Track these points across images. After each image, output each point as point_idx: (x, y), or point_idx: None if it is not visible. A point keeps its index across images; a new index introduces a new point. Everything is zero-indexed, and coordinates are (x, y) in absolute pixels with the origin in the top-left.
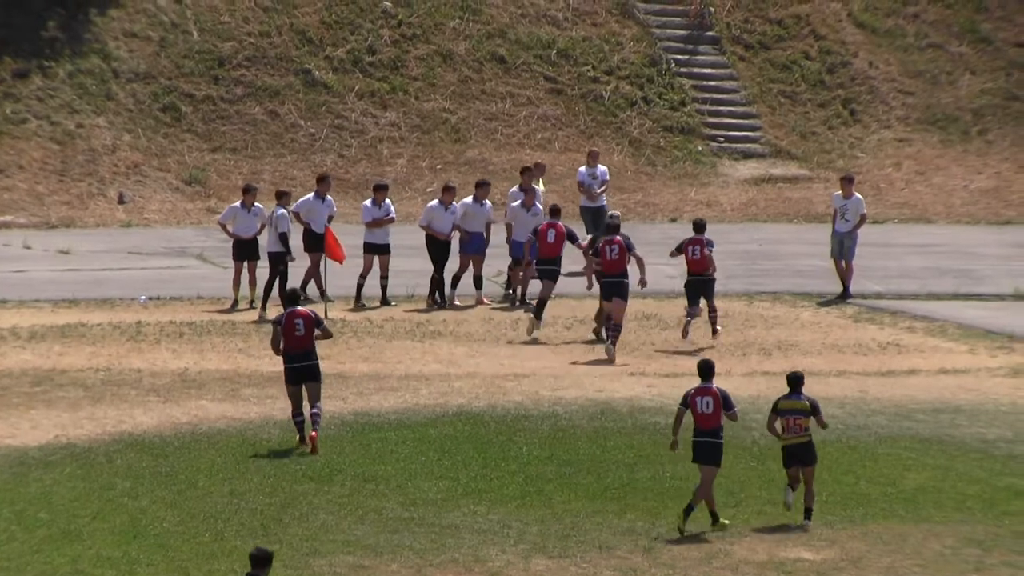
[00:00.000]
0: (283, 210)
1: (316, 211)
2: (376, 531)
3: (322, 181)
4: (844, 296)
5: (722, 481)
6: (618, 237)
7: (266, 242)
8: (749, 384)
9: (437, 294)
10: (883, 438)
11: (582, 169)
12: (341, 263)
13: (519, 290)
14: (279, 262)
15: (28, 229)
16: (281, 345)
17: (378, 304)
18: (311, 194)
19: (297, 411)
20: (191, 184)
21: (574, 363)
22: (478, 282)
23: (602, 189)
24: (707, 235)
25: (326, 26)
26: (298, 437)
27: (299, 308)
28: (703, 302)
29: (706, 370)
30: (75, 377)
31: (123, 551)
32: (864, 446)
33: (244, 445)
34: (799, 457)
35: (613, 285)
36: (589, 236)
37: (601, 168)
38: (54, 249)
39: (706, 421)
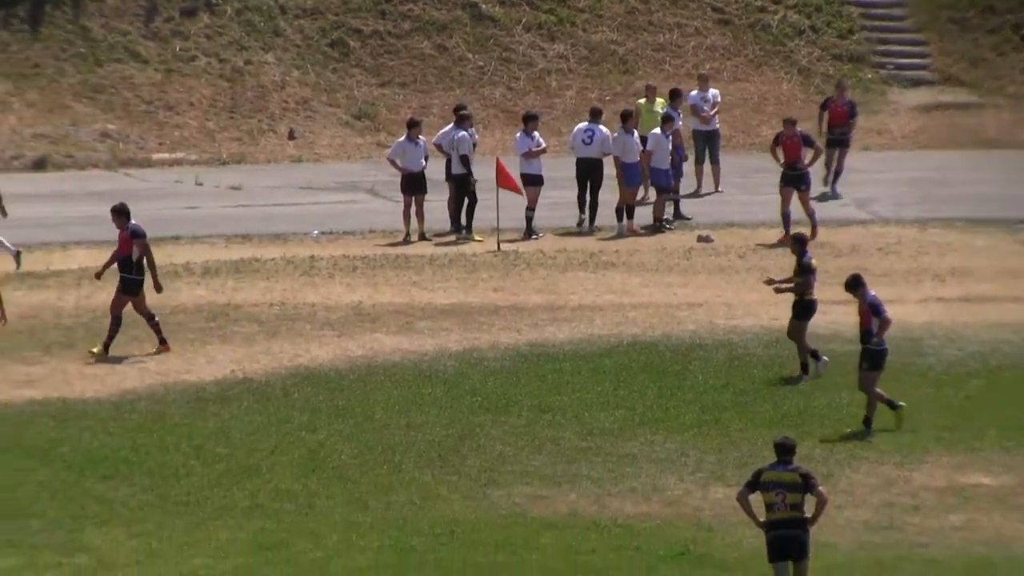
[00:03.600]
0: (463, 132)
1: (409, 153)
2: (553, 461)
3: (413, 126)
4: None
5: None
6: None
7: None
8: (923, 311)
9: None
10: None
11: (693, 92)
12: (519, 194)
13: (668, 214)
14: (465, 184)
15: (200, 166)
16: None
17: (534, 236)
18: (403, 137)
19: None
20: (360, 119)
21: (748, 292)
22: (630, 212)
23: (714, 111)
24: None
25: None
26: None
27: None
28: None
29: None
30: (250, 312)
31: (301, 484)
32: None
33: (419, 377)
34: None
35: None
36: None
37: (712, 91)
38: (226, 185)
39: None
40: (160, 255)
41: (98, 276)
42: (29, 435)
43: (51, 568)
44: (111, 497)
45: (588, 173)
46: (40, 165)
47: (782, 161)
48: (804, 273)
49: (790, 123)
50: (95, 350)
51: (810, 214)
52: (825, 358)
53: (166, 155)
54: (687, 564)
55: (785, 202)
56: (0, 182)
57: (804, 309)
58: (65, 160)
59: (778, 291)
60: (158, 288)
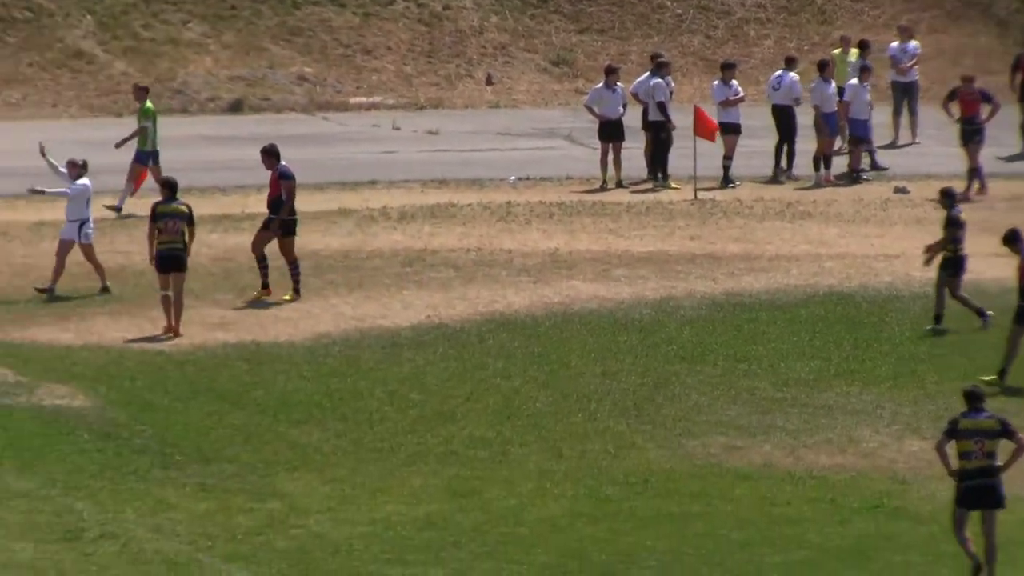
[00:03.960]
0: (660, 80)
1: (606, 100)
2: (749, 411)
3: (611, 73)
4: None
5: None
6: None
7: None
8: None
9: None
10: None
11: (893, 44)
12: (712, 140)
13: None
14: (660, 130)
15: (397, 110)
16: None
17: (732, 185)
18: (600, 84)
19: None
20: (558, 65)
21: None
22: (827, 162)
23: (912, 63)
24: None
25: None
26: None
27: None
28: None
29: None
30: (446, 257)
31: (496, 431)
32: None
33: (615, 325)
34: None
35: None
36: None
37: (912, 43)
38: (423, 130)
39: None
40: (356, 199)
41: (266, 225)
42: (222, 378)
43: (243, 513)
44: (304, 442)
45: (777, 120)
46: (236, 108)
47: (956, 116)
48: (951, 227)
49: (967, 80)
50: (287, 296)
51: (977, 168)
52: (991, 313)
53: (363, 99)
54: (881, 516)
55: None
56: (196, 124)
57: (952, 265)
58: (261, 103)
59: (929, 257)
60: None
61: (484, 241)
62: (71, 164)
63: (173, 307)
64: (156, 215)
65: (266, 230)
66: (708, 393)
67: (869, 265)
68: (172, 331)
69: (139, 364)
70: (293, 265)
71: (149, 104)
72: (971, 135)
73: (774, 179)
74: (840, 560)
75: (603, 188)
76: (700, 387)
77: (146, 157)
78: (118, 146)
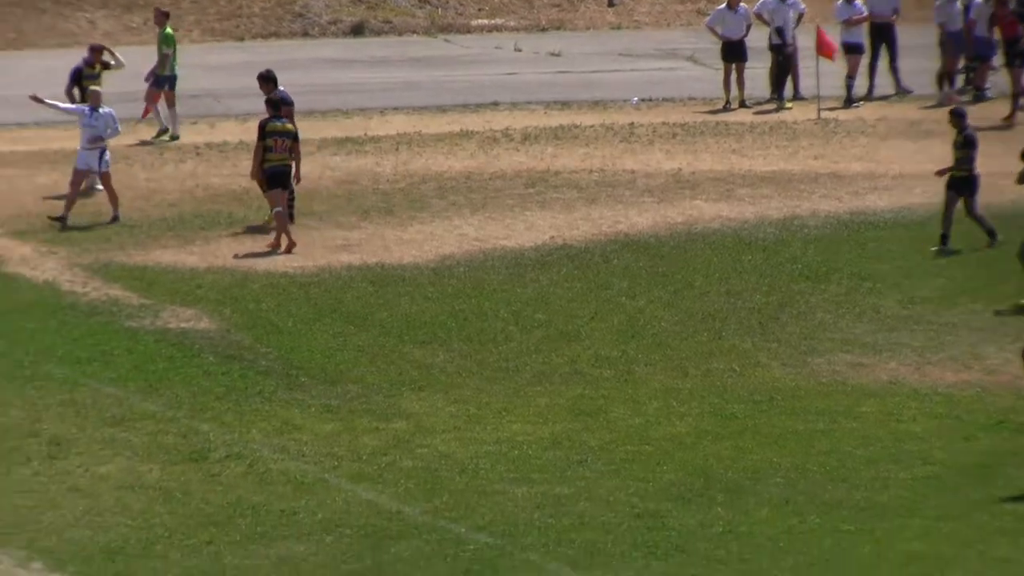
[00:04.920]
0: (783, 1)
1: (729, 21)
2: (874, 329)
3: None
4: None
5: None
6: None
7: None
8: None
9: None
10: None
11: None
12: (832, 60)
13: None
14: (779, 53)
15: (518, 32)
16: None
17: (855, 105)
18: (723, 5)
19: None
20: None
21: None
22: (951, 79)
23: None
24: None
25: None
26: None
27: None
28: None
29: None
30: (569, 178)
31: (621, 351)
32: None
33: (739, 245)
34: None
35: None
36: None
37: None
38: (545, 52)
39: None
40: (479, 121)
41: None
42: (347, 300)
43: (369, 433)
44: (429, 363)
45: (877, 35)
46: (358, 30)
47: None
48: (964, 147)
49: (1001, 2)
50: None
51: (1021, 92)
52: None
53: (485, 21)
54: (1006, 433)
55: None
56: (317, 48)
57: (964, 184)
58: (383, 26)
59: (940, 174)
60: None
61: (607, 162)
62: (93, 93)
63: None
64: (265, 132)
65: None
66: (833, 311)
67: (993, 184)
68: (291, 245)
69: (264, 286)
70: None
71: (169, 30)
72: (1013, 58)
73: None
74: (964, 476)
75: (726, 108)
76: (825, 305)
77: (163, 81)
78: (147, 79)
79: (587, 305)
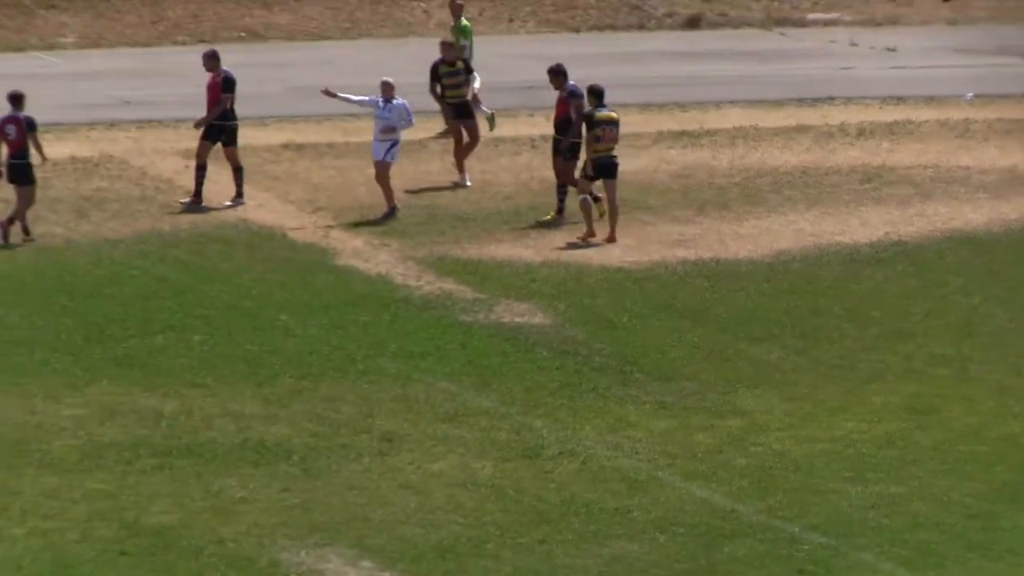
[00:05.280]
0: None
1: None
2: None
3: None
4: None
5: None
6: None
7: None
8: None
9: None
10: None
11: None
12: None
13: None
14: None
15: (854, 26)
16: None
17: None
18: None
19: None
20: None
21: None
22: None
23: None
24: None
25: None
26: None
27: None
28: None
29: None
30: (904, 174)
31: (956, 349)
32: None
33: None
34: None
35: None
36: None
37: None
38: (880, 47)
39: None
40: (814, 116)
41: (556, 149)
42: (683, 295)
43: (703, 430)
44: (763, 359)
45: None
46: (694, 23)
47: None
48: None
49: None
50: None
51: None
52: None
53: (820, 15)
54: None
55: None
56: (653, 40)
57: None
58: (718, 19)
59: None
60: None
61: (942, 158)
62: (385, 84)
63: (610, 214)
64: (593, 122)
65: (557, 154)
66: None
67: None
68: (610, 238)
69: (599, 281)
70: (562, 188)
71: (465, 21)
72: None
73: None
74: None
75: None
76: None
77: None
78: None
79: (921, 302)
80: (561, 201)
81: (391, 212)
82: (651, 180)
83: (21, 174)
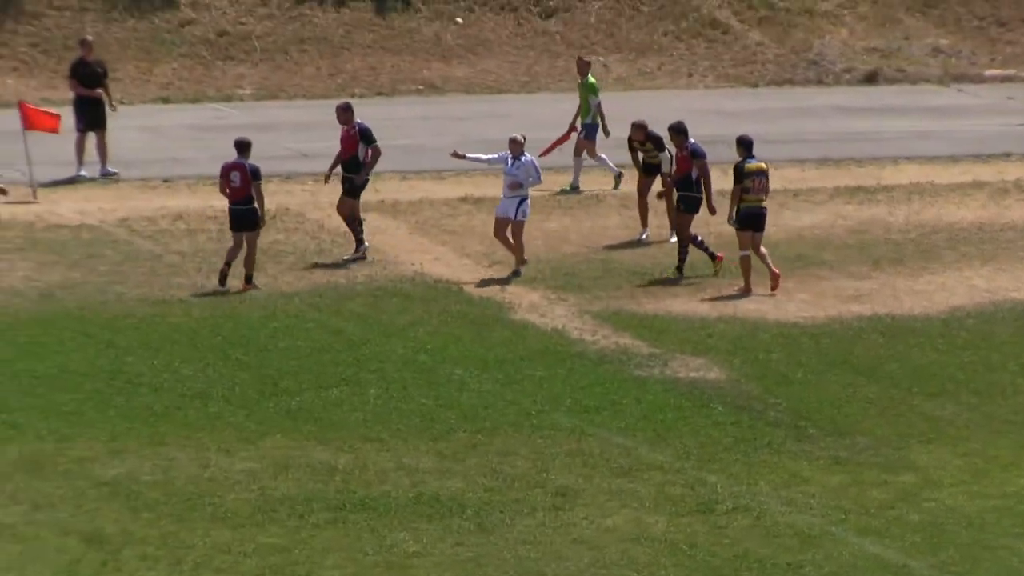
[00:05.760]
0: None
1: None
2: None
3: None
4: None
5: None
6: None
7: None
8: None
9: None
10: None
11: None
12: None
13: None
14: None
15: None
16: None
17: None
18: None
19: None
20: None
21: None
22: None
23: None
24: None
25: None
26: None
27: None
28: None
29: None
30: None
31: None
32: None
33: None
34: None
35: None
36: None
37: None
38: None
39: None
40: (990, 172)
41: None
42: (857, 351)
43: (877, 486)
44: (937, 415)
45: None
46: (871, 79)
47: None
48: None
49: None
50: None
51: None
52: None
53: (997, 71)
54: None
55: None
56: (831, 95)
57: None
58: (896, 74)
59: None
60: (712, 210)
61: None
62: (512, 141)
63: (763, 263)
64: (742, 174)
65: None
66: None
67: None
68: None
69: (774, 336)
70: (685, 243)
71: (592, 79)
72: None
73: None
74: None
75: None
76: None
77: (593, 130)
78: (584, 133)
79: None
80: (682, 260)
81: (518, 271)
82: (827, 235)
83: (246, 220)
